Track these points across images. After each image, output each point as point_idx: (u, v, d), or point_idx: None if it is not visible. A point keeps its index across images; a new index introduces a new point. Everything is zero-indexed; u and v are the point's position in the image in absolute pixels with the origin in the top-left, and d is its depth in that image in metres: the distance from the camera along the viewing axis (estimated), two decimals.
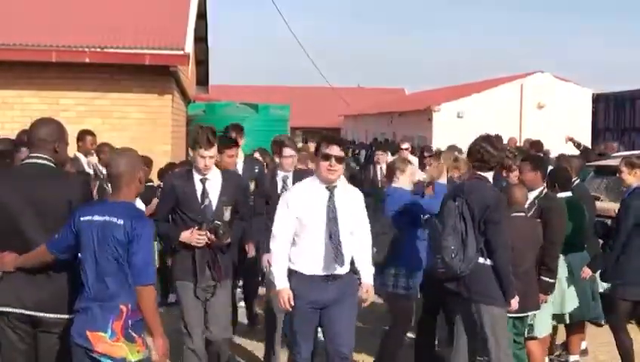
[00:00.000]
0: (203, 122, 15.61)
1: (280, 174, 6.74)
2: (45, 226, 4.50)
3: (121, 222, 4.24)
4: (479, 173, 5.71)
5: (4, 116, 7.39)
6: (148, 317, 4.25)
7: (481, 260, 5.50)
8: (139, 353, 4.28)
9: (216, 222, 5.37)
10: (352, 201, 5.22)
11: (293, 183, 6.37)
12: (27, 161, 4.78)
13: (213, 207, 5.58)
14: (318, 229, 5.17)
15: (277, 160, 6.97)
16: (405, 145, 12.83)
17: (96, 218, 4.32)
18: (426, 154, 11.86)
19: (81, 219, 4.31)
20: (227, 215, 5.61)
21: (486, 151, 5.66)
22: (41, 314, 4.45)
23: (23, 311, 4.44)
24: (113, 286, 4.27)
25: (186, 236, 5.42)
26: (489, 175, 5.77)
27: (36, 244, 4.47)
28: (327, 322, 5.16)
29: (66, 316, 4.45)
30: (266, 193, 6.75)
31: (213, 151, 5.48)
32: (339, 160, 5.15)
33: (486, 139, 5.77)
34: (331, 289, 5.16)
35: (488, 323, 5.50)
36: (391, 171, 7.38)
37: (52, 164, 4.74)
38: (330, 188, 5.16)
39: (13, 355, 4.60)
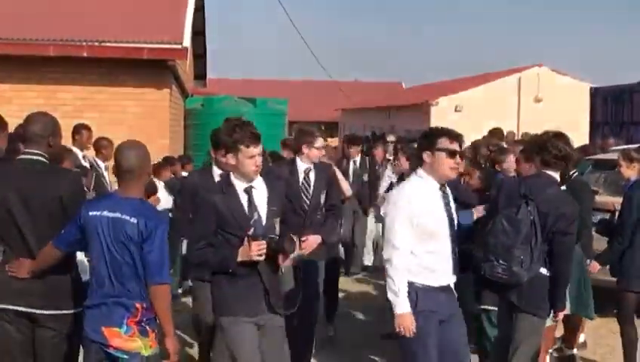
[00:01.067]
0: (201, 116, 15.72)
1: (302, 166, 6.21)
2: (36, 223, 4.51)
3: (134, 220, 4.17)
4: (549, 172, 5.48)
5: (1, 110, 7.35)
6: (161, 317, 4.22)
7: (542, 270, 5.26)
8: (151, 348, 4.30)
9: (269, 236, 4.55)
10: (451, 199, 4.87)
11: (316, 176, 6.20)
12: (21, 156, 4.77)
13: (264, 222, 4.72)
14: (444, 234, 4.75)
15: (305, 150, 6.28)
16: (391, 138, 12.71)
17: (106, 213, 4.25)
18: (399, 146, 11.03)
19: (90, 213, 4.26)
20: (278, 228, 4.80)
21: (563, 149, 5.45)
22: (35, 311, 4.45)
23: (16, 308, 4.45)
24: (128, 284, 4.26)
25: (244, 252, 4.49)
26: (557, 175, 5.57)
27: (30, 241, 4.47)
28: (445, 340, 4.60)
29: (62, 311, 4.46)
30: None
31: (260, 147, 4.64)
32: (462, 157, 4.86)
33: (560, 136, 5.53)
34: (452, 301, 4.77)
35: (526, 329, 5.30)
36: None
37: (45, 160, 4.74)
38: (442, 187, 4.76)
39: (8, 344, 4.61)
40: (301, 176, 6.20)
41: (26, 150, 4.73)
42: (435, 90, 33.72)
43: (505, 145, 9.14)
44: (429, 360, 4.50)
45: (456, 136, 4.76)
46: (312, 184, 6.25)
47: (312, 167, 6.24)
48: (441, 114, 27.42)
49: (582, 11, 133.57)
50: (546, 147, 5.43)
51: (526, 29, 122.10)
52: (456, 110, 27.58)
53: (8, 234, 4.62)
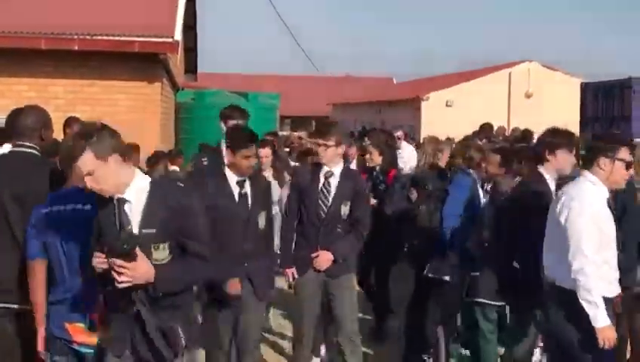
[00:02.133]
0: (192, 110, 16.08)
1: (324, 169, 5.62)
2: (26, 218, 4.47)
3: (88, 207, 4.12)
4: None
5: (10, 104, 7.41)
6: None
7: None
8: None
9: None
10: None
11: (340, 183, 5.60)
12: (13, 149, 4.77)
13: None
14: (614, 240, 4.72)
15: (319, 150, 5.78)
16: (398, 133, 12.60)
17: (63, 207, 4.26)
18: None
19: (43, 211, 4.25)
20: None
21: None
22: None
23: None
24: (88, 278, 4.18)
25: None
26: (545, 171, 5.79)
27: (18, 236, 4.48)
28: None
29: (12, 305, 4.51)
30: (301, 194, 5.72)
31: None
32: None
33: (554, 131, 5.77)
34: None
35: None
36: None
37: (37, 153, 4.76)
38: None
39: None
40: (321, 181, 5.61)
41: (17, 142, 4.74)
42: (426, 85, 34.09)
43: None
44: None
45: (633, 147, 4.81)
46: (332, 191, 5.59)
47: (334, 171, 5.60)
48: (432, 109, 28.02)
49: (573, 8, 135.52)
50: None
51: (518, 24, 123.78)
52: (447, 105, 28.06)
53: (2, 232, 4.62)
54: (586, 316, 4.51)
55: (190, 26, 19.43)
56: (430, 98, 29.53)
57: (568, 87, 25.98)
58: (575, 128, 17.67)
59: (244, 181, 5.18)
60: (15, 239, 4.59)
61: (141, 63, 12.23)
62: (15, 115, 4.92)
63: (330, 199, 5.57)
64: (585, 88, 20.96)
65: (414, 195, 7.83)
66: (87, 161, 3.52)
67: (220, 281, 5.10)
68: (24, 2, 13.01)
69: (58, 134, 7.48)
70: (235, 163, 5.12)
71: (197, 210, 3.84)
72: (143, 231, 3.61)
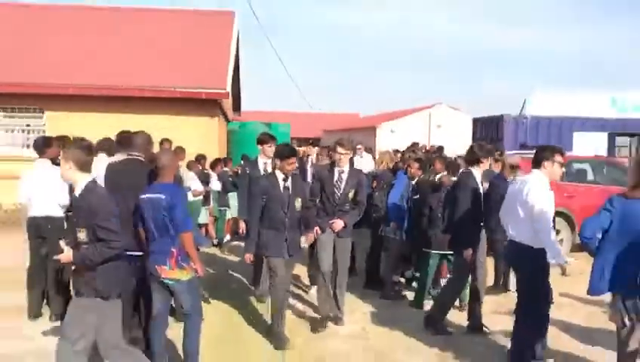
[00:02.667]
0: (237, 134, 18.54)
1: (337, 168, 6.99)
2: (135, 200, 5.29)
3: (163, 196, 5.00)
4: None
5: (111, 132, 8.42)
6: (189, 251, 5.09)
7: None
8: (188, 274, 5.12)
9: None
10: None
11: (348, 177, 6.93)
12: (128, 157, 5.69)
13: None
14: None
15: (334, 156, 7.14)
16: (359, 146, 13.07)
17: (148, 195, 5.12)
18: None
19: (140, 197, 5.14)
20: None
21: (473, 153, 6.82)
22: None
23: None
24: (166, 237, 5.06)
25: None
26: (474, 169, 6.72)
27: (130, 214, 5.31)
28: None
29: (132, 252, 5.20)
30: (322, 184, 6.99)
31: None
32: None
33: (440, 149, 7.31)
34: None
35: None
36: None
37: (142, 160, 5.65)
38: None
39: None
40: (336, 176, 6.95)
41: (130, 153, 5.69)
42: (379, 118, 42.93)
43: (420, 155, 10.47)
44: None
45: (563, 153, 5.67)
46: (343, 182, 6.90)
47: (344, 169, 6.94)
48: (383, 133, 35.92)
49: (474, 64, 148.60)
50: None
51: (435, 77, 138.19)
52: (391, 131, 35.96)
53: (119, 208, 5.00)
54: (531, 257, 5.30)
55: (236, 82, 22.11)
56: (382, 127, 37.58)
57: (464, 120, 31.17)
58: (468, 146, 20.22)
59: (287, 178, 6.46)
60: (129, 211, 5.33)
61: (206, 105, 14.81)
62: (130, 135, 5.96)
63: (342, 187, 6.93)
64: (475, 121, 23.09)
65: (374, 185, 8.87)
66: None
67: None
68: (134, 65, 15.55)
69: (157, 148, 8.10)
70: (282, 167, 6.43)
71: (103, 211, 4.41)
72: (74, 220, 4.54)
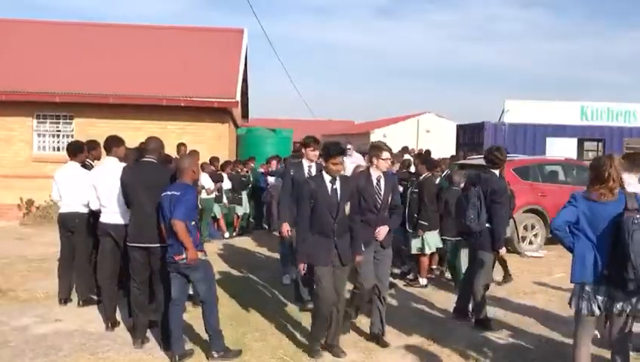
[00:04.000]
0: (245, 139, 18.73)
1: (374, 174, 5.91)
2: (150, 197, 5.47)
3: (178, 193, 5.17)
4: (490, 169, 6.44)
5: (135, 136, 8.17)
6: (181, 237, 5.07)
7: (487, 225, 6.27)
8: (202, 256, 5.32)
9: None
10: None
11: (385, 182, 5.89)
12: (144, 160, 5.78)
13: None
14: None
15: (374, 161, 5.92)
16: (349, 146, 11.30)
17: (168, 193, 5.24)
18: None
19: (162, 195, 5.25)
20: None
21: (496, 156, 6.49)
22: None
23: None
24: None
25: None
26: (496, 171, 6.45)
27: (146, 209, 5.48)
28: None
29: (154, 244, 5.50)
30: (361, 194, 5.82)
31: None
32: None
33: (497, 149, 6.61)
34: None
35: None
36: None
37: (156, 162, 5.74)
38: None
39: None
40: (375, 182, 5.87)
41: (147, 156, 5.77)
42: (372, 125, 43.80)
43: (409, 157, 11.91)
44: None
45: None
46: (382, 188, 5.86)
47: (381, 175, 5.91)
48: (376, 139, 36.21)
49: (458, 77, 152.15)
50: (486, 155, 6.61)
51: (424, 87, 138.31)
52: (384, 136, 36.30)
53: (134, 204, 5.63)
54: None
55: (244, 92, 22.00)
56: (375, 132, 38.39)
57: (450, 127, 31.19)
58: (453, 151, 20.14)
59: (335, 179, 5.45)
60: (142, 209, 5.54)
61: (218, 113, 15.00)
62: (146, 141, 5.94)
63: (382, 193, 5.88)
64: (459, 128, 23.34)
65: None
66: None
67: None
68: (156, 76, 15.73)
69: (173, 151, 9.70)
70: (327, 167, 5.44)
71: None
72: None
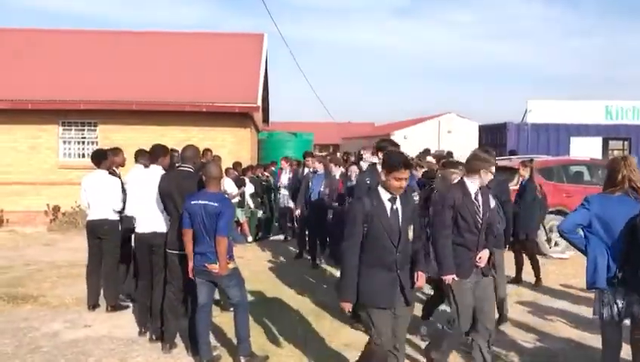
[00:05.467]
0: (266, 142, 18.94)
1: (473, 188, 4.89)
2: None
3: (216, 204, 5.16)
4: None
5: (162, 140, 8.23)
6: (219, 252, 5.14)
7: None
8: (233, 264, 5.36)
9: None
10: None
11: (483, 197, 4.91)
12: (179, 168, 5.98)
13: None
14: None
15: (482, 175, 4.90)
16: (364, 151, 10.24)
17: (201, 202, 5.21)
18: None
19: (191, 202, 5.24)
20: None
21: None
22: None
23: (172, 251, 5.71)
24: (213, 240, 5.17)
25: None
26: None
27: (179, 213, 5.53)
28: None
29: (180, 251, 5.55)
30: (457, 211, 4.86)
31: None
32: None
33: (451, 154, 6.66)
34: None
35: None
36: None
37: (192, 170, 5.84)
38: None
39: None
40: (473, 195, 4.90)
41: (183, 165, 5.92)
42: (393, 126, 43.19)
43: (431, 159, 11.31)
44: None
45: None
46: (481, 204, 4.88)
47: (478, 189, 4.93)
48: (396, 140, 34.88)
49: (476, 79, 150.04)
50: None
51: (446, 88, 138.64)
52: (404, 138, 35.42)
53: (173, 212, 5.70)
54: None
55: (265, 96, 22.08)
56: (395, 134, 37.38)
57: (472, 127, 31.16)
58: None
59: (395, 198, 4.35)
60: (178, 210, 5.60)
61: (239, 117, 15.25)
62: (182, 149, 6.04)
63: (482, 211, 4.89)
64: (481, 128, 23.38)
65: None
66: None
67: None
68: (177, 85, 15.91)
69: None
70: (387, 182, 4.31)
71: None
72: None
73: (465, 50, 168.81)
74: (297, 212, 10.76)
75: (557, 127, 20.33)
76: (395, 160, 4.29)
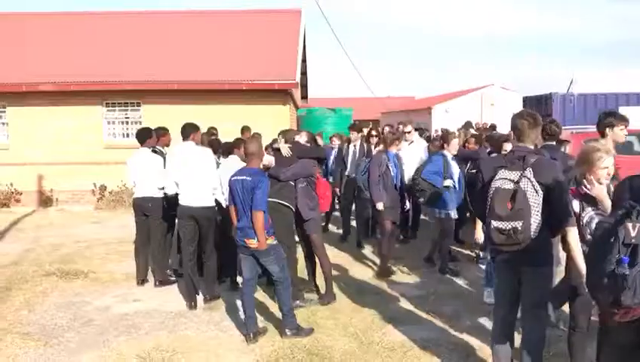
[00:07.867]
0: (305, 119, 18.89)
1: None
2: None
3: (250, 179, 5.21)
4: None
5: (199, 120, 8.29)
6: (257, 227, 5.15)
7: None
8: (272, 241, 5.35)
9: None
10: None
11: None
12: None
13: None
14: None
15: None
16: (408, 128, 10.35)
17: (239, 177, 5.32)
18: (373, 132, 10.22)
19: (232, 179, 5.35)
20: None
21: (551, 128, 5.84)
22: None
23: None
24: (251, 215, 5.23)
25: None
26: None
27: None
28: None
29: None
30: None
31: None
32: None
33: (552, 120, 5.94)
34: None
35: None
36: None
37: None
38: None
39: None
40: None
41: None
42: (433, 100, 40.66)
43: (473, 131, 11.56)
44: None
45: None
46: None
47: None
48: (437, 114, 34.16)
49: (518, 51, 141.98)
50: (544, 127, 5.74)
51: (488, 60, 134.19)
52: (446, 112, 34.40)
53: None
54: None
55: (303, 72, 21.98)
56: (436, 108, 35.69)
57: (515, 99, 29.81)
58: None
59: None
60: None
61: (279, 94, 15.12)
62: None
63: None
64: (525, 99, 23.34)
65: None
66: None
67: None
68: (217, 64, 16.00)
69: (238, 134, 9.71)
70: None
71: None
72: None
73: (505, 19, 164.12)
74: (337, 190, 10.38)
75: (605, 97, 19.77)
76: None
